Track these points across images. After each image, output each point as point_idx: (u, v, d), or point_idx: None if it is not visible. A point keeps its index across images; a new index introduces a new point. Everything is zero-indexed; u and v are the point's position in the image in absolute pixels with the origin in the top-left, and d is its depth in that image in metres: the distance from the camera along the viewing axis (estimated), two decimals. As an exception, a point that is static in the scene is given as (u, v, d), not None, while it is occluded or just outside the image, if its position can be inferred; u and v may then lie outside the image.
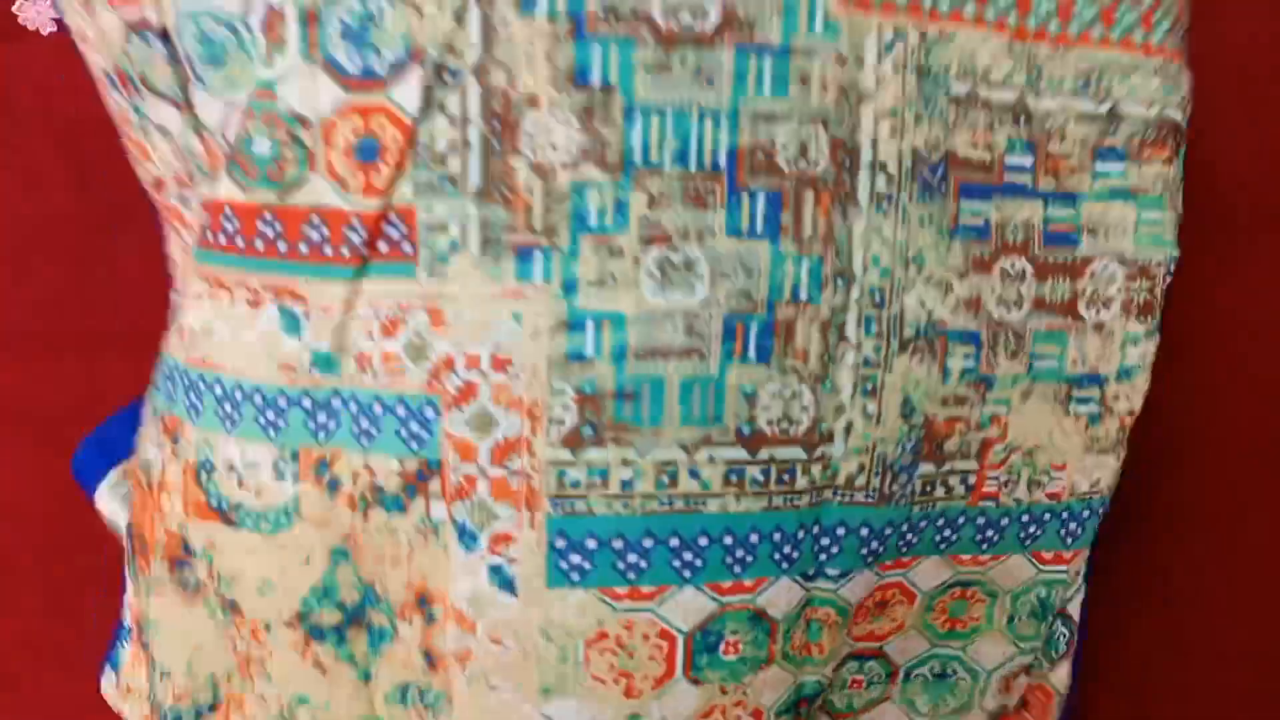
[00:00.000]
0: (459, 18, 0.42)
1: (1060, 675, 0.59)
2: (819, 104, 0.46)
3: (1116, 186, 0.51)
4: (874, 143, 0.47)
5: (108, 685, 0.59)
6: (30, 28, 0.77)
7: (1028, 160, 0.49)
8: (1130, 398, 0.53)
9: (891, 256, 0.47)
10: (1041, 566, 0.54)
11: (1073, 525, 0.54)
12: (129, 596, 0.55)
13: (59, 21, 0.76)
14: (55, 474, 0.66)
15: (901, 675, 0.54)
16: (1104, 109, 0.50)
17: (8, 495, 0.70)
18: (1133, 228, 0.51)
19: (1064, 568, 0.54)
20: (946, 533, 0.51)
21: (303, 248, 0.43)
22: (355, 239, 0.43)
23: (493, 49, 0.43)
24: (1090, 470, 0.53)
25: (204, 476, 0.46)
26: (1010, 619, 0.54)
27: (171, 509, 0.48)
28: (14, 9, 0.77)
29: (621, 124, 0.44)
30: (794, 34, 0.45)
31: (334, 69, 0.42)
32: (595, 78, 0.43)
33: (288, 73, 0.42)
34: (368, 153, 0.43)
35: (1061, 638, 0.58)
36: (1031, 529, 0.53)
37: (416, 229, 0.44)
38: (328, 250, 0.43)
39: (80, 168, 0.76)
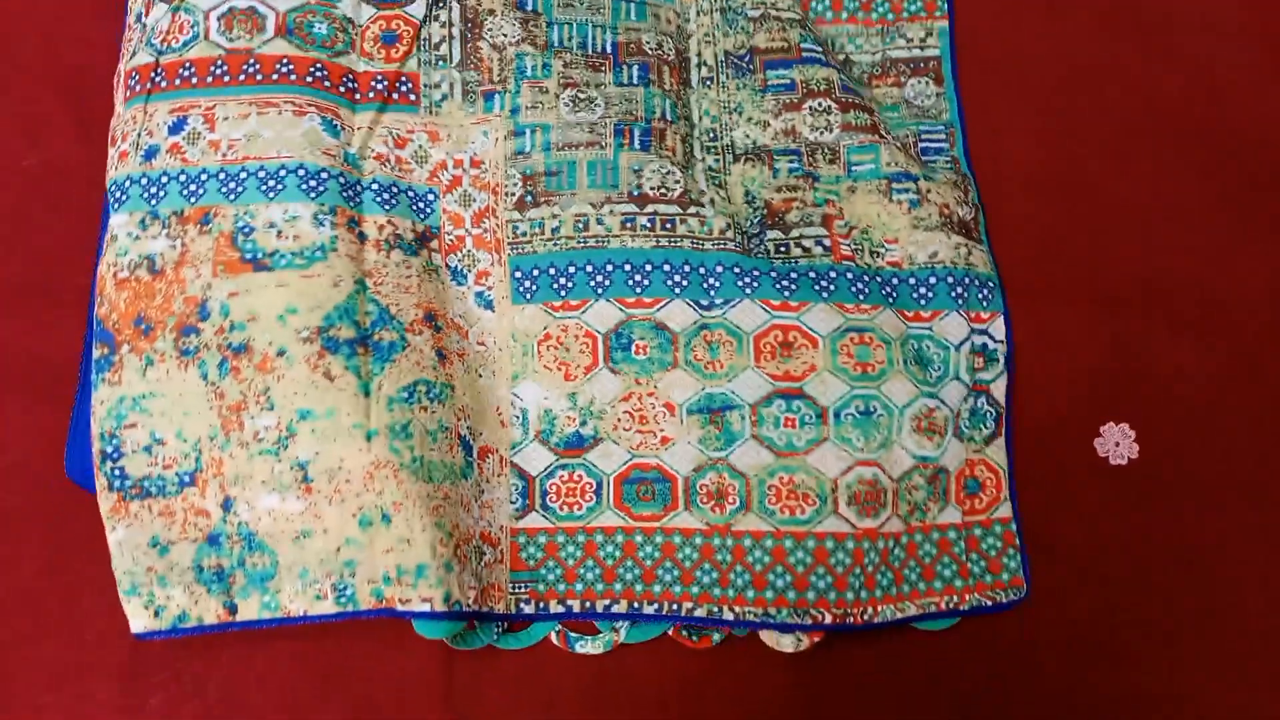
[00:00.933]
0: None
1: (997, 451, 0.69)
2: (665, 29, 0.74)
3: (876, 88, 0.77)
4: (698, 52, 0.75)
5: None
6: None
7: (819, 48, 0.75)
8: (940, 194, 0.72)
9: (717, 110, 0.73)
10: (908, 323, 0.70)
11: (923, 290, 0.70)
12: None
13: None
14: (53, 424, 0.68)
15: (832, 416, 0.67)
16: (840, 58, 0.77)
17: (6, 443, 0.68)
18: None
19: (927, 325, 0.70)
20: (824, 283, 0.69)
21: (341, 89, 0.70)
22: (379, 87, 0.71)
23: (468, -11, 0.74)
24: (922, 244, 0.71)
25: (240, 239, 0.65)
26: (905, 361, 0.69)
27: (195, 277, 0.65)
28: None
29: (545, 28, 0.73)
30: None
31: (372, 1, 0.73)
32: (529, 5, 0.74)
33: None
34: (389, 39, 0.72)
35: (989, 415, 0.70)
36: (887, 290, 0.70)
37: (419, 87, 0.72)
38: (358, 95, 0.70)
39: (83, 118, 0.74)
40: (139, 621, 0.62)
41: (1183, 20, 0.79)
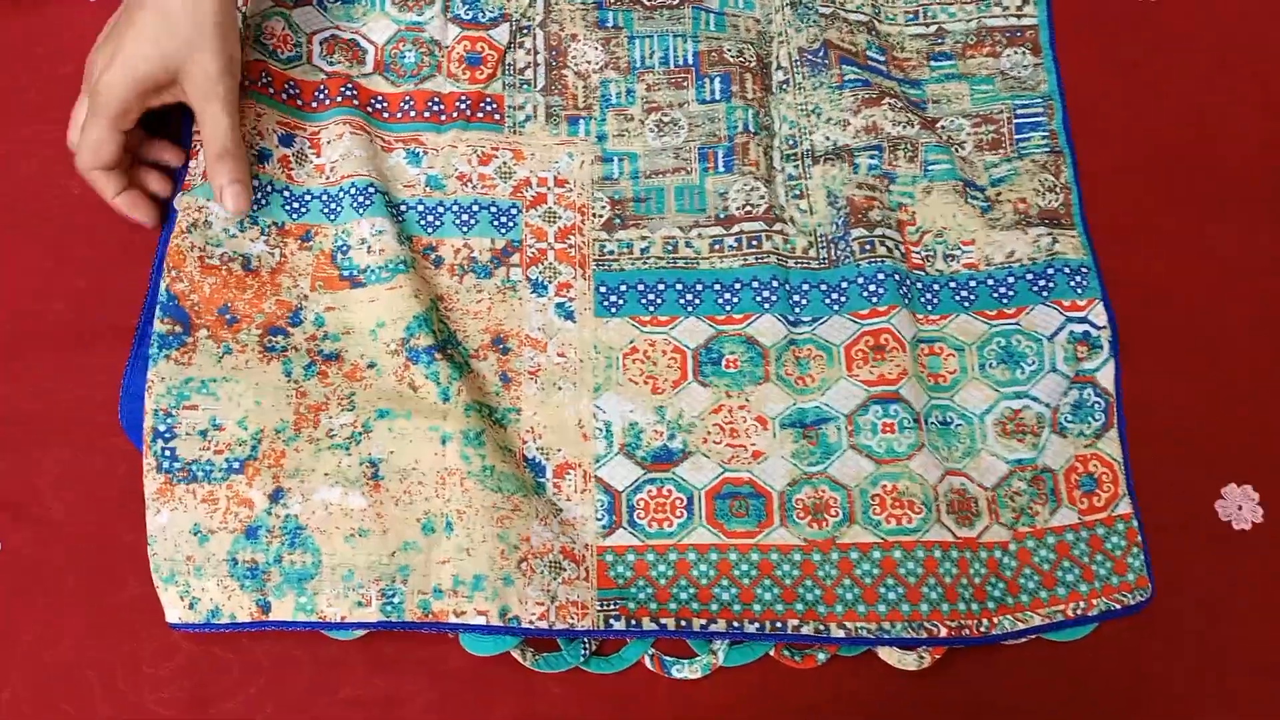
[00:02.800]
0: (531, 3, 0.75)
1: (1110, 444, 0.66)
2: (745, 36, 0.76)
3: (949, 73, 0.76)
4: (777, 55, 0.76)
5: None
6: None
7: (882, 56, 0.76)
8: (1014, 191, 0.72)
9: (796, 115, 0.74)
10: (989, 322, 0.68)
11: (1003, 289, 0.69)
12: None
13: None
14: (88, 471, 0.64)
15: (925, 422, 0.65)
16: (930, 30, 0.78)
17: (42, 494, 0.64)
18: (967, 96, 0.76)
19: (1014, 321, 0.68)
20: (903, 290, 0.68)
21: (426, 114, 0.71)
22: (463, 106, 0.72)
23: (550, 14, 0.75)
24: (1001, 244, 0.70)
25: (339, 257, 0.67)
26: (981, 366, 0.68)
27: (291, 285, 0.66)
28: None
29: (627, 45, 0.74)
30: (727, 5, 0.77)
31: (458, 20, 0.74)
32: (610, 22, 0.75)
33: (431, 18, 0.73)
34: (473, 60, 0.73)
35: (1097, 406, 0.66)
36: (963, 294, 0.69)
37: (504, 108, 0.73)
38: (443, 116, 0.71)
39: None
40: (174, 612, 0.60)
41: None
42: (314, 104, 0.70)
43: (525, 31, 0.74)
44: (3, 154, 0.71)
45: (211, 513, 0.60)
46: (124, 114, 0.61)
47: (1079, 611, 0.63)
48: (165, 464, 0.60)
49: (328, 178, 0.68)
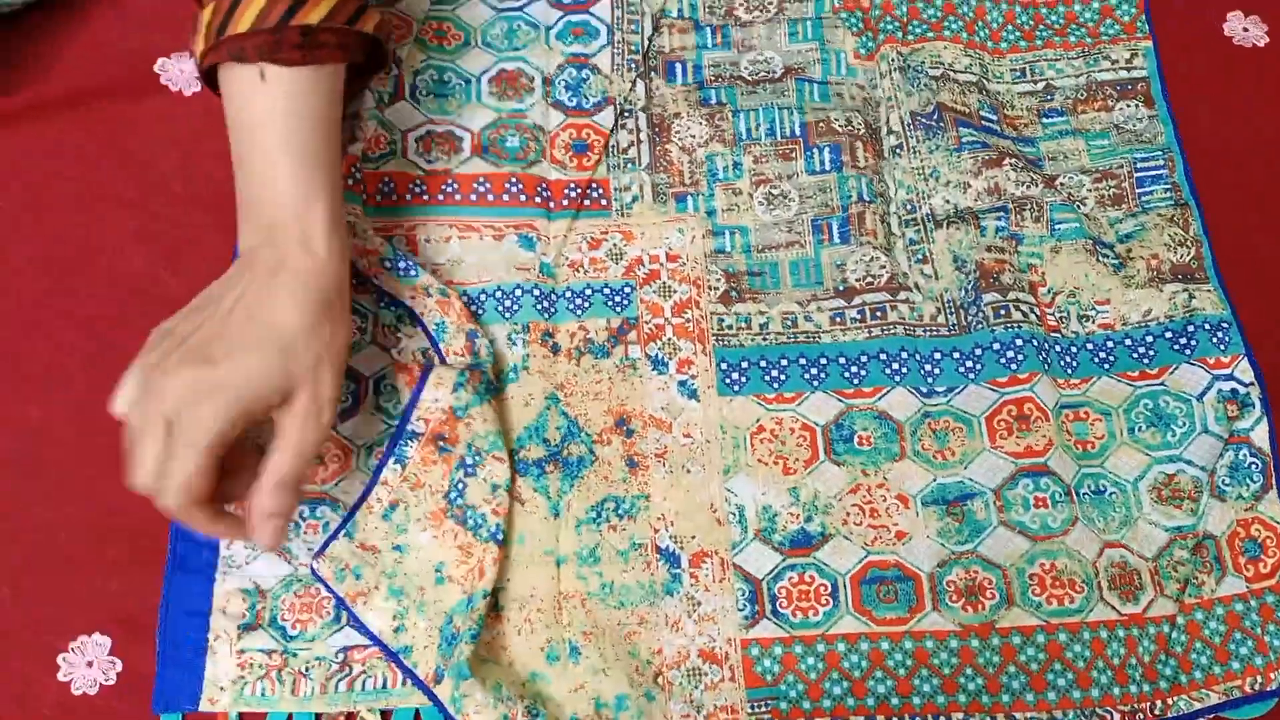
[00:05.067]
0: (633, 85, 0.74)
1: (1272, 506, 0.63)
2: (851, 104, 0.74)
3: (1063, 129, 0.75)
4: (886, 120, 0.74)
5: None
6: (173, 88, 0.73)
7: (995, 116, 0.74)
8: (1145, 247, 0.69)
9: (912, 179, 0.72)
10: (1133, 384, 0.66)
11: (1142, 349, 0.67)
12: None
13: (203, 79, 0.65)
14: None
15: (1076, 493, 0.63)
16: (1039, 87, 0.76)
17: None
18: (1085, 152, 0.74)
19: (1159, 382, 0.66)
20: (1043, 355, 0.66)
21: (536, 199, 0.70)
22: (572, 194, 0.70)
23: (652, 97, 0.74)
24: (1136, 303, 0.68)
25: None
26: (1130, 430, 0.65)
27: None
28: (155, 67, 0.73)
29: (731, 119, 0.73)
30: (830, 74, 0.75)
31: (560, 106, 0.73)
32: (713, 100, 0.74)
33: (532, 105, 0.73)
34: (579, 148, 0.72)
35: (1254, 467, 0.63)
36: (1102, 355, 0.67)
37: (610, 190, 0.71)
38: (552, 204, 0.70)
39: (231, 236, 0.62)
40: (376, 621, 0.57)
41: None
42: (408, 196, 0.68)
43: (629, 112, 0.73)
44: (103, 249, 0.68)
45: (459, 562, 0.58)
46: (221, 445, 0.50)
47: (1257, 687, 0.59)
48: (453, 495, 0.60)
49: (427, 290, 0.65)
